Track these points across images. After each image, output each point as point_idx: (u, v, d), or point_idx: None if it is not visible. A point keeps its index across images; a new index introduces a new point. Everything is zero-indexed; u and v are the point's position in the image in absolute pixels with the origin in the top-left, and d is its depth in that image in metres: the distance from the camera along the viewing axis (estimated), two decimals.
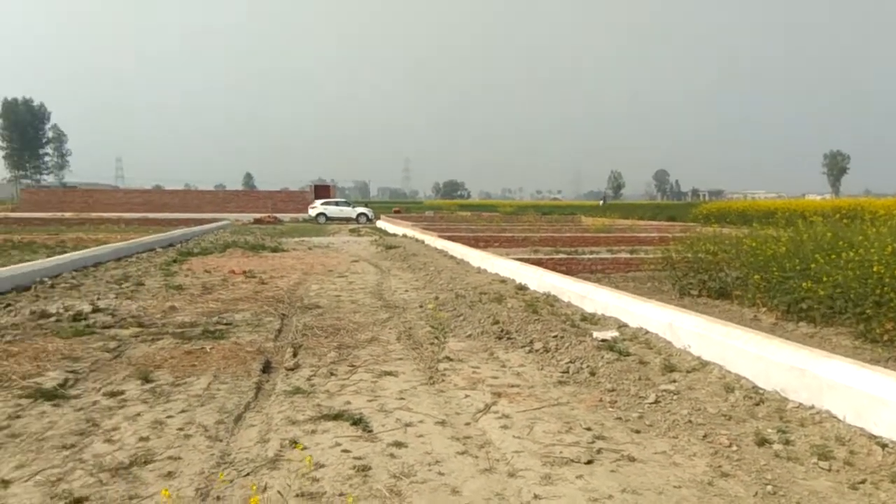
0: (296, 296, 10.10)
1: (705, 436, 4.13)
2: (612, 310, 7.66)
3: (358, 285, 11.48)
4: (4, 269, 10.56)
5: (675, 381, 5.27)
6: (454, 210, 55.61)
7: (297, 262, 15.48)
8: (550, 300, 9.08)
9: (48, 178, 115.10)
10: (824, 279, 7.25)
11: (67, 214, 37.42)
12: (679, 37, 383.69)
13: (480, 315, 8.16)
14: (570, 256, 13.79)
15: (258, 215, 41.57)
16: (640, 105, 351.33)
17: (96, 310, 8.29)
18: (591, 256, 13.43)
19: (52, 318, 7.69)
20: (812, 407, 4.45)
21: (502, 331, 7.20)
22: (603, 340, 6.53)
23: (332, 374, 5.57)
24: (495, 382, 5.38)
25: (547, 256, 13.54)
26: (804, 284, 7.47)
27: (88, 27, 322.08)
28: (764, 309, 8.56)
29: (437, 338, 6.67)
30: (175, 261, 14.85)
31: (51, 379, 5.26)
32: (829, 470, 3.63)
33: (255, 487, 2.94)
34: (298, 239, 24.60)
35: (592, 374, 5.56)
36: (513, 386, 5.30)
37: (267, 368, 5.80)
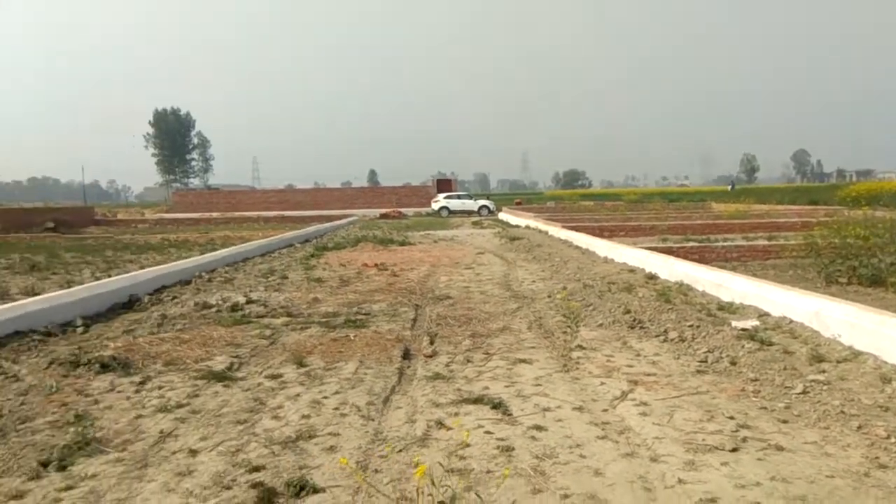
0: (426, 287, 10.48)
1: (860, 427, 3.96)
2: (752, 298, 7.37)
3: (485, 276, 11.71)
4: (169, 265, 11.73)
5: (824, 372, 5.05)
6: (576, 200, 54.77)
7: (425, 254, 15.98)
8: (683, 289, 8.85)
9: (194, 182, 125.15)
10: None
11: (214, 214, 40.70)
12: None
13: (611, 304, 8.13)
14: (703, 244, 13.29)
15: (384, 210, 43.09)
16: (772, 80, 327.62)
17: (249, 301, 9.05)
18: (725, 244, 12.86)
19: (214, 309, 8.49)
20: None
21: (634, 320, 7.15)
22: (743, 330, 6.33)
23: (468, 360, 5.81)
24: (630, 370, 5.39)
25: (677, 245, 13.13)
26: None
27: (223, 43, 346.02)
28: None
29: (569, 327, 6.75)
30: (312, 255, 15.79)
31: (219, 363, 5.86)
32: None
33: (417, 461, 3.16)
34: (423, 232, 25.28)
35: (733, 363, 5.43)
36: (649, 374, 5.29)
37: (406, 355, 6.14)
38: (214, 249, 16.08)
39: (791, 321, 6.46)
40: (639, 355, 5.91)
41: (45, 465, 3.63)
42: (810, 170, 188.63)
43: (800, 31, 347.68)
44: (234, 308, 8.49)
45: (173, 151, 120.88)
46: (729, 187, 73.89)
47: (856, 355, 5.31)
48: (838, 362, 5.24)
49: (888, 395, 4.48)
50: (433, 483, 2.67)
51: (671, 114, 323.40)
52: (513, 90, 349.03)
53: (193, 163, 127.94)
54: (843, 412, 4.22)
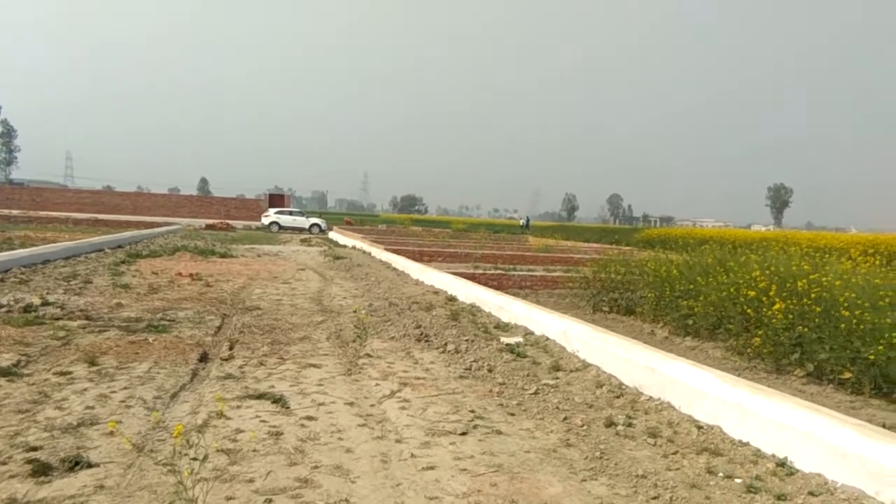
0: (239, 298, 10.75)
1: (565, 418, 5.03)
2: (523, 319, 8.58)
3: (300, 291, 12.17)
4: None
5: (557, 378, 6.19)
6: (407, 224, 56.50)
7: (244, 267, 16.07)
8: (473, 310, 9.97)
9: None
10: (702, 298, 8.34)
11: (15, 212, 36.93)
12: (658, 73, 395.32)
13: (407, 321, 8.98)
14: (503, 273, 14.76)
15: (210, 221, 41.66)
16: (598, 132, 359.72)
17: (46, 303, 8.81)
18: (520, 273, 14.43)
19: (3, 309, 8.20)
20: (658, 399, 5.41)
21: (422, 334, 8.04)
22: (507, 344, 7.43)
23: (261, 364, 6.31)
24: (405, 375, 6.21)
25: (480, 272, 14.47)
26: (687, 303, 8.54)
27: (45, 20, 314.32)
28: (660, 325, 9.61)
29: (359, 337, 7.48)
30: (123, 262, 15.28)
31: (5, 360, 5.86)
32: (654, 445, 4.55)
33: (179, 432, 3.62)
34: (248, 246, 25.04)
35: (490, 370, 6.44)
36: (419, 378, 6.13)
37: (204, 358, 6.50)
38: (12, 249, 15.00)
39: (548, 339, 7.69)
40: (417, 363, 6.76)
41: None
42: (622, 213, 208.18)
43: (631, 88, 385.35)
44: (28, 309, 8.27)
45: None
46: (522, 222, 72.32)
47: (585, 366, 6.54)
48: (571, 371, 6.43)
49: (596, 396, 5.66)
50: (188, 443, 3.20)
51: (508, 151, 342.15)
52: (356, 113, 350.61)
53: None
54: (558, 408, 5.30)
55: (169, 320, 8.36)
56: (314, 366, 6.40)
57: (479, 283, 13.56)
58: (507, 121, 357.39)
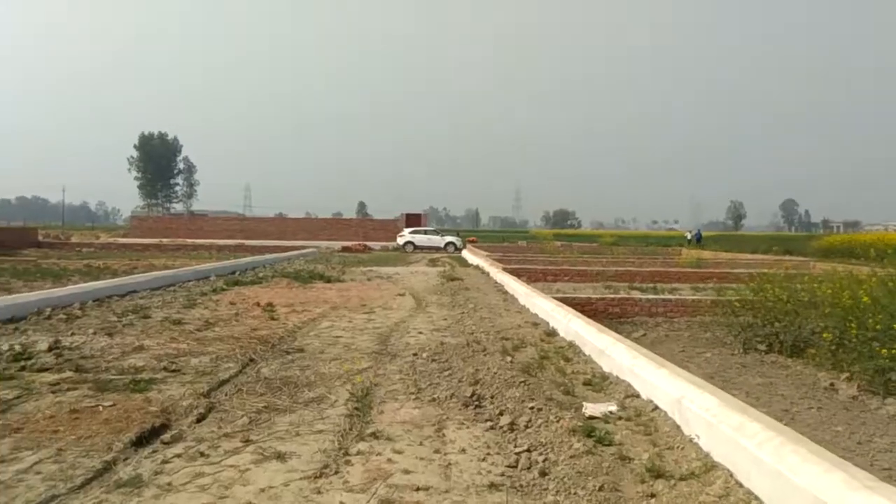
0: (293, 335, 9.05)
1: None
2: (626, 373, 5.98)
3: (374, 325, 10.27)
4: (8, 297, 10.24)
5: (653, 497, 3.62)
6: (550, 240, 53.62)
7: (338, 294, 14.56)
8: (568, 353, 7.49)
9: (177, 207, 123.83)
10: None
11: (165, 241, 39.13)
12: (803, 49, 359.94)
13: (471, 370, 6.69)
14: (628, 296, 11.93)
15: (347, 243, 41.69)
16: (767, 127, 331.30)
17: (53, 348, 7.56)
18: (651, 297, 11.51)
19: None
20: None
21: (474, 395, 5.71)
22: (590, 417, 4.92)
23: (202, 454, 4.33)
24: (401, 481, 3.94)
25: (600, 296, 11.75)
26: (891, 351, 5.46)
27: (224, 68, 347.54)
28: (846, 374, 6.51)
29: (359, 412, 5.31)
30: (214, 290, 14.35)
31: None
32: None
33: None
34: (368, 268, 23.86)
35: (544, 473, 4.00)
36: (421, 489, 3.84)
37: (143, 439, 4.66)
38: (99, 279, 14.59)
39: (655, 408, 5.06)
40: (439, 451, 4.47)
41: None
42: (797, 219, 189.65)
43: (800, 89, 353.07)
44: (18, 357, 7.01)
45: (157, 176, 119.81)
46: (688, 234, 60.05)
47: (707, 469, 3.90)
48: (680, 479, 3.82)
49: None
50: None
51: (666, 159, 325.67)
52: (510, 130, 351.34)
53: (178, 188, 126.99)
54: None
55: (172, 371, 6.74)
56: (281, 456, 4.31)
57: (597, 310, 10.93)
58: (664, 131, 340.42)
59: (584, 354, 7.35)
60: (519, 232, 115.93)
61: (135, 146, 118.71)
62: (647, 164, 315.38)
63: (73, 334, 8.53)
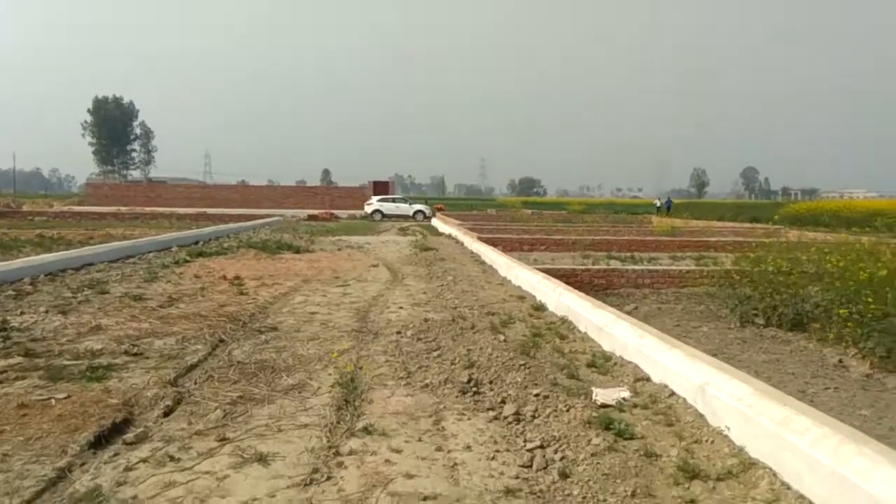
0: (265, 311, 8.46)
1: None
2: (632, 353, 5.56)
3: (352, 298, 9.72)
4: None
5: (693, 503, 3.20)
6: (519, 208, 53.30)
7: (309, 265, 13.90)
8: (562, 330, 7.06)
9: (135, 174, 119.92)
10: None
11: (123, 209, 37.63)
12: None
13: (461, 350, 6.22)
14: (612, 267, 11.55)
15: (313, 212, 40.71)
16: (730, 101, 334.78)
17: (0, 329, 6.86)
18: (636, 268, 11.14)
19: None
20: None
21: (471, 380, 5.24)
22: (602, 406, 4.49)
23: (171, 458, 3.78)
24: (404, 488, 3.46)
25: (583, 268, 11.35)
26: None
27: (181, 23, 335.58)
28: (854, 351, 6.21)
29: (348, 402, 4.80)
30: (176, 262, 13.57)
31: None
32: None
33: None
34: (337, 238, 23.15)
35: (565, 475, 3.55)
36: (429, 498, 3.36)
37: (105, 439, 4.08)
38: (54, 250, 13.68)
39: (672, 394, 4.65)
40: (441, 449, 3.99)
41: None
42: (758, 187, 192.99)
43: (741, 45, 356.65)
44: None
45: (112, 141, 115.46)
46: (657, 202, 59.68)
47: (745, 468, 3.50)
48: (718, 480, 3.41)
49: None
50: None
51: (629, 125, 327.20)
52: (473, 100, 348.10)
53: (134, 154, 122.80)
54: None
55: (133, 354, 6.11)
56: (262, 460, 3.78)
57: (582, 282, 10.54)
58: (631, 99, 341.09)
59: (580, 331, 6.93)
60: (486, 200, 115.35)
61: (88, 110, 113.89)
62: (613, 129, 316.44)
63: (22, 313, 7.81)
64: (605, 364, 5.64)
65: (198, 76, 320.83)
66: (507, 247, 17.07)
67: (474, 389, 5.05)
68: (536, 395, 4.73)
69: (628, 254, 16.79)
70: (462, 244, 19.03)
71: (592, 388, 4.85)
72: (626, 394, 4.69)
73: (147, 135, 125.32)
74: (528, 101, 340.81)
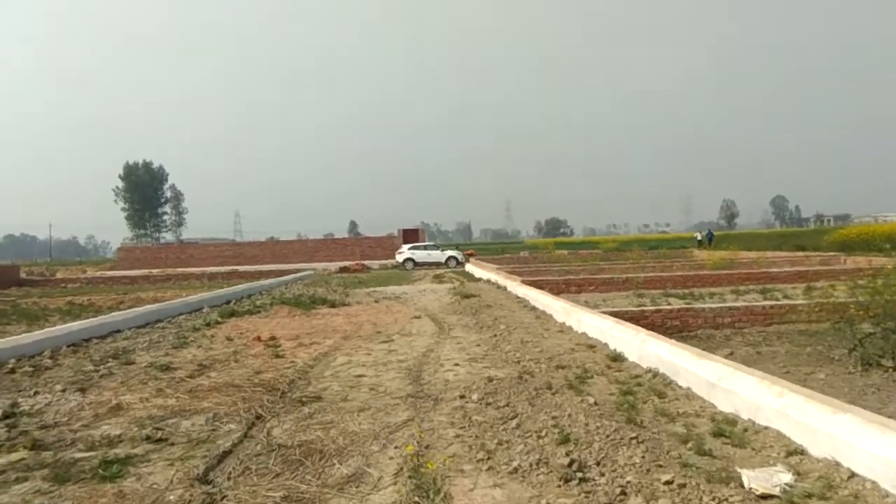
0: (304, 378, 7.49)
1: None
2: (770, 415, 4.43)
3: (397, 356, 8.71)
4: None
5: None
6: (551, 249, 52.12)
7: (347, 320, 12.97)
8: (657, 385, 5.94)
9: (167, 237, 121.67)
10: None
11: (154, 271, 37.36)
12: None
13: (545, 417, 5.15)
14: (685, 305, 10.39)
15: (345, 263, 40.05)
16: (751, 127, 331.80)
17: (8, 416, 5.97)
18: (713, 306, 9.96)
19: None
20: None
21: (572, 462, 4.15)
22: (764, 497, 3.38)
23: None
24: None
25: (653, 308, 10.21)
26: None
27: (204, 94, 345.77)
28: None
29: (422, 498, 3.73)
30: (208, 324, 12.74)
31: None
32: None
33: None
34: (372, 289, 22.29)
35: None
36: None
37: None
38: (80, 318, 12.96)
39: (852, 475, 3.51)
40: None
41: None
42: (788, 215, 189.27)
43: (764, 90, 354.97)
44: None
45: (144, 205, 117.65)
46: (697, 235, 57.59)
47: None
48: None
49: None
50: None
51: (654, 162, 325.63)
52: (497, 142, 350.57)
53: (166, 217, 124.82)
54: None
55: (157, 440, 5.17)
56: None
57: (654, 324, 9.43)
58: (650, 136, 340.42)
59: (681, 387, 5.81)
60: (514, 243, 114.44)
61: (120, 176, 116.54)
62: (635, 170, 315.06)
63: (36, 393, 6.93)
64: (733, 431, 4.51)
65: (228, 152, 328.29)
66: (554, 289, 15.98)
67: (580, 476, 3.96)
68: (667, 484, 3.63)
69: (686, 290, 15.58)
70: (504, 289, 17.98)
71: (737, 470, 3.74)
72: (786, 476, 3.57)
73: (177, 197, 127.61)
74: (552, 141, 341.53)
